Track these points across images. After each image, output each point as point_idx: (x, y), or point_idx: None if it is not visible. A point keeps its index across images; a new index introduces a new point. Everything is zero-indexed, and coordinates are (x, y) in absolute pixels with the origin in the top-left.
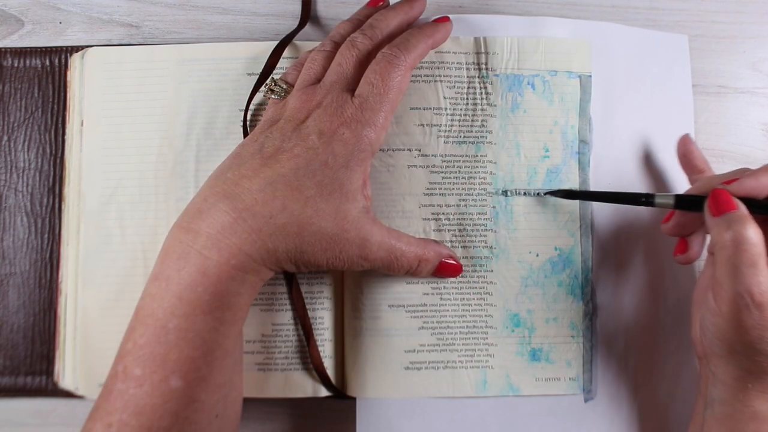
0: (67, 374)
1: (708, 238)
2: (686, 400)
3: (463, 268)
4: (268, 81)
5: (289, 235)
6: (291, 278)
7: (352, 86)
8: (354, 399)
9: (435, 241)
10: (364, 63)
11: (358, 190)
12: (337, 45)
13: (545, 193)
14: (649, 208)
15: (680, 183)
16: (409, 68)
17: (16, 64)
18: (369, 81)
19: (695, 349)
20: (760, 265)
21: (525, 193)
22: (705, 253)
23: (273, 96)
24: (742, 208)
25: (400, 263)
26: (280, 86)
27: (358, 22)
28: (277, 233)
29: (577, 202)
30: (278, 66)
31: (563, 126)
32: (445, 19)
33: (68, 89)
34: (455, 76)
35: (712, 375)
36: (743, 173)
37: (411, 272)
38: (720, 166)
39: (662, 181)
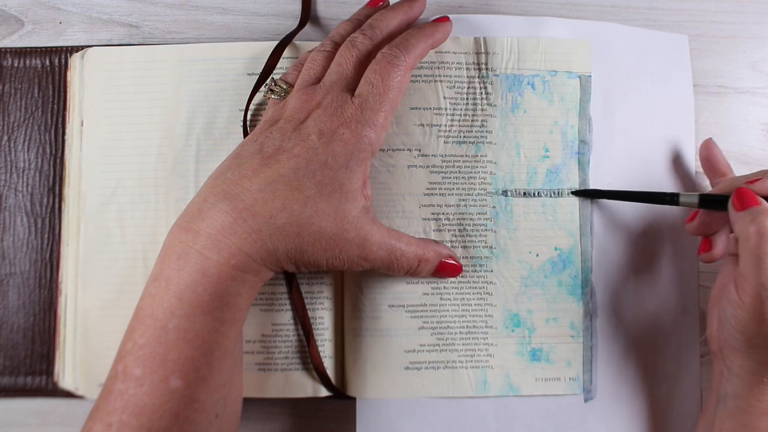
0: (67, 374)
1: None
2: (686, 400)
3: (463, 268)
4: (268, 81)
5: (288, 235)
6: (291, 278)
7: (352, 86)
8: (354, 399)
9: (435, 241)
10: (364, 63)
11: (358, 190)
12: (337, 45)
13: (570, 193)
14: (650, 207)
15: (681, 183)
16: (409, 68)
17: (16, 64)
18: (369, 81)
19: (710, 346)
20: None
21: (536, 194)
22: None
23: (273, 96)
24: (765, 204)
25: (400, 263)
26: (280, 86)
27: (358, 22)
28: (276, 233)
29: (576, 201)
30: (278, 66)
31: (563, 126)
32: (445, 19)
33: (68, 89)
34: (455, 76)
35: (727, 370)
36: (765, 174)
37: (411, 272)
38: None
39: (662, 181)
